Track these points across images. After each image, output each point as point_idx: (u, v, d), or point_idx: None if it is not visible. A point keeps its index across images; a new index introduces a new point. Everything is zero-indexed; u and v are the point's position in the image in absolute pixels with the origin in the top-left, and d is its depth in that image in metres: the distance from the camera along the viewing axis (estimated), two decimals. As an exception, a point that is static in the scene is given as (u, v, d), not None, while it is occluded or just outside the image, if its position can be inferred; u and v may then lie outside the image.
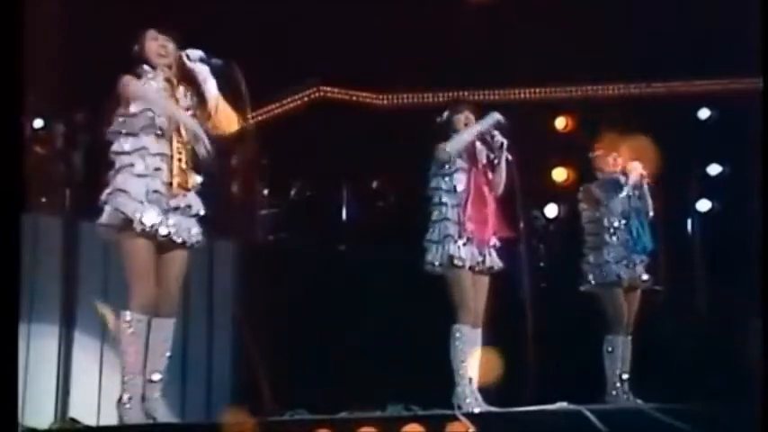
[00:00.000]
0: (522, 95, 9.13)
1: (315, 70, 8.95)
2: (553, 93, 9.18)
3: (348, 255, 8.79)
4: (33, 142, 7.49)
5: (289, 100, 9.28)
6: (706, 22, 8.13)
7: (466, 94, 8.69)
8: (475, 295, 5.88)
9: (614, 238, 6.84)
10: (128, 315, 4.76)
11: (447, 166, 5.96)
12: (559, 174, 9.19)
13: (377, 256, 8.42)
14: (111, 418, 5.09)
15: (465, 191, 5.91)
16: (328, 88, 9.20)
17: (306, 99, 9.23)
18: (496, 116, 6.08)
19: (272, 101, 9.18)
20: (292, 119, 9.12)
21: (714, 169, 9.19)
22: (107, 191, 4.84)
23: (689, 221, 8.98)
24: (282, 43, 8.32)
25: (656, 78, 9.04)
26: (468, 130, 6.00)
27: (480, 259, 5.89)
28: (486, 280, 5.97)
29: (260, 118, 9.07)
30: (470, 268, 5.85)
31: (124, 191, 4.77)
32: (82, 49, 7.42)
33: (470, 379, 5.78)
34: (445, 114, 6.15)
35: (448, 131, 6.06)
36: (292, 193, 9.12)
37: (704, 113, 9.24)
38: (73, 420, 5.46)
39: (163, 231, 4.78)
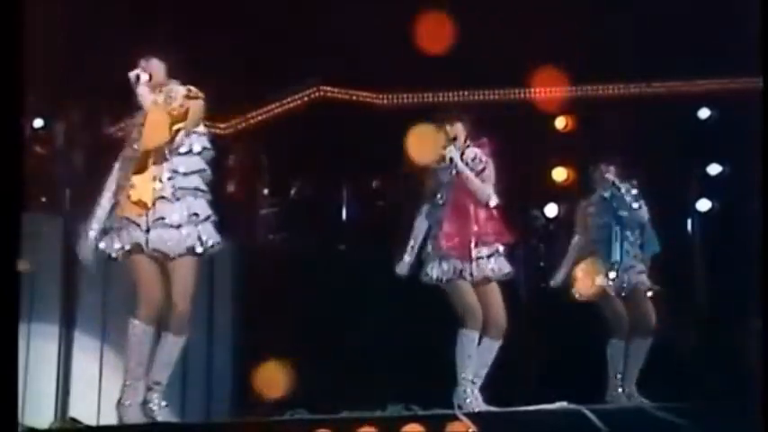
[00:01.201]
0: (522, 95, 9.12)
1: (315, 70, 8.94)
2: (553, 93, 9.17)
3: (348, 255, 8.79)
4: (33, 142, 7.49)
5: (289, 100, 9.26)
6: (706, 22, 8.12)
7: (466, 93, 8.69)
8: (483, 304, 5.82)
9: (592, 250, 6.86)
10: (134, 323, 4.82)
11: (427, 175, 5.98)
12: (559, 174, 9.18)
13: (377, 256, 8.41)
14: (111, 418, 5.09)
15: (444, 207, 5.90)
16: (328, 88, 9.19)
17: (306, 99, 9.21)
18: None
19: (272, 100, 9.17)
20: (292, 119, 9.11)
21: (714, 169, 9.17)
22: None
23: (689, 221, 8.97)
24: (282, 43, 8.32)
25: (656, 78, 9.03)
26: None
27: (461, 270, 5.84)
28: (489, 288, 5.89)
29: (260, 118, 9.08)
30: (463, 279, 5.83)
31: (129, 219, 4.87)
32: (82, 49, 7.42)
33: (472, 380, 5.77)
34: (436, 123, 6.11)
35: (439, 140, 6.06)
36: (292, 192, 9.11)
37: (704, 113, 9.22)
38: (73, 420, 5.45)
39: (144, 248, 4.84)
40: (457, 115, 6.13)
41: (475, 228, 5.83)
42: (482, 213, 5.88)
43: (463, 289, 5.79)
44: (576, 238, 7.01)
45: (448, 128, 6.00)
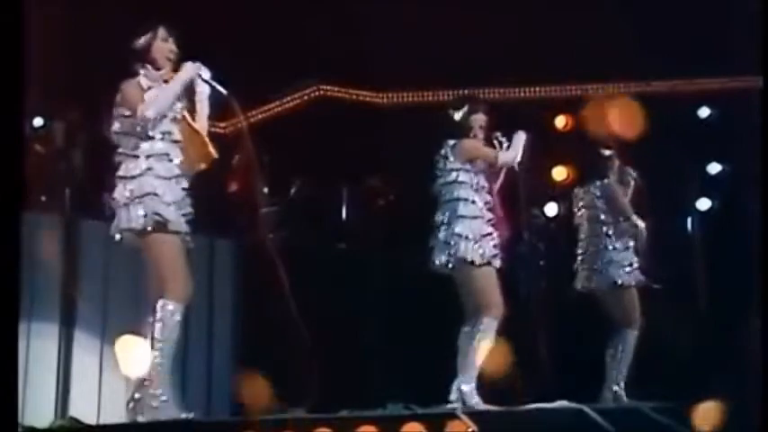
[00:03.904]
0: (522, 95, 9.13)
1: (315, 69, 8.94)
2: (553, 92, 9.18)
3: (348, 253, 8.79)
4: (33, 141, 7.48)
5: (289, 98, 9.27)
6: (706, 21, 8.12)
7: (466, 92, 8.68)
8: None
9: (619, 239, 6.83)
10: (169, 305, 4.74)
11: (473, 163, 5.95)
12: (559, 173, 9.19)
13: (377, 255, 8.42)
14: (111, 418, 5.08)
15: (494, 189, 5.94)
16: (328, 87, 9.19)
17: (306, 98, 9.22)
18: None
19: (273, 99, 9.17)
20: (292, 117, 9.11)
21: (714, 168, 9.18)
22: (128, 193, 4.80)
23: (688, 220, 8.97)
24: (282, 42, 8.32)
25: (657, 77, 9.03)
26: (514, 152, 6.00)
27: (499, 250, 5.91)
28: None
29: (260, 116, 9.08)
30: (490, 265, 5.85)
31: (155, 194, 4.76)
32: (82, 48, 7.43)
33: (471, 377, 5.78)
34: (463, 112, 6.07)
35: (463, 129, 6.01)
36: (292, 191, 9.11)
37: (704, 112, 9.23)
38: (73, 419, 5.45)
39: (187, 236, 4.86)
40: (481, 105, 6.15)
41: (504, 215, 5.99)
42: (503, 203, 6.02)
43: (492, 275, 5.80)
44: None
45: (477, 117, 6.02)
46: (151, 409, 4.66)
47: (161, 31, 4.98)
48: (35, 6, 4.37)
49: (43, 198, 7.27)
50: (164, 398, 4.69)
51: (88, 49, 7.30)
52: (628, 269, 6.76)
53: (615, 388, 6.64)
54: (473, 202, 5.86)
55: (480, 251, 5.78)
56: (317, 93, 9.17)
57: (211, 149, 5.03)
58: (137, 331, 4.96)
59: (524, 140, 6.04)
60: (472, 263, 5.78)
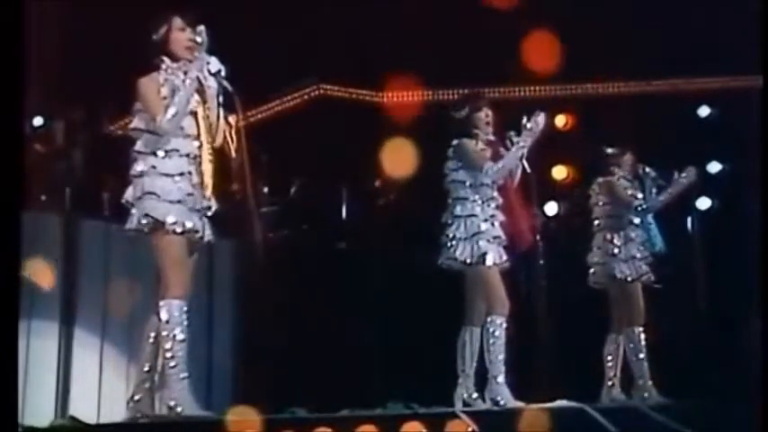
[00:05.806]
0: (523, 94, 9.13)
1: (315, 69, 8.95)
2: (553, 91, 9.19)
3: (348, 252, 8.79)
4: (33, 140, 7.47)
5: (289, 98, 9.27)
6: (706, 20, 8.13)
7: (466, 92, 8.69)
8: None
9: (632, 234, 6.84)
10: (173, 303, 4.67)
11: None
12: (559, 172, 9.19)
13: (377, 254, 8.42)
14: (110, 417, 5.07)
15: (500, 188, 5.90)
16: (328, 86, 9.20)
17: (306, 97, 9.23)
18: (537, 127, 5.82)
19: (273, 98, 9.18)
20: (292, 117, 9.11)
21: (714, 167, 9.19)
22: (132, 193, 4.78)
23: (688, 219, 8.98)
24: (283, 41, 8.33)
25: (657, 76, 9.04)
26: (511, 157, 5.83)
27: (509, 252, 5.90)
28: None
29: (260, 116, 9.08)
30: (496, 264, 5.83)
31: (153, 193, 4.70)
32: (82, 48, 7.43)
33: (469, 376, 5.79)
34: (465, 110, 6.05)
35: (468, 127, 6.00)
36: (292, 190, 9.11)
37: (704, 111, 9.25)
38: (73, 419, 5.45)
39: (195, 233, 4.79)
40: (484, 101, 6.11)
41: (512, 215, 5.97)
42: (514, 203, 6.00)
43: (489, 273, 5.78)
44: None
45: (481, 113, 5.99)
46: (166, 408, 4.67)
47: (177, 21, 4.88)
48: (35, 6, 4.36)
49: (43, 198, 7.26)
50: (175, 396, 4.69)
51: (88, 48, 7.30)
52: (629, 263, 6.77)
53: (614, 387, 6.65)
54: (471, 200, 5.85)
55: (470, 250, 5.77)
56: (316, 92, 9.18)
57: (227, 142, 4.98)
58: (138, 331, 4.97)
59: (519, 156, 5.83)
60: (464, 262, 5.78)
